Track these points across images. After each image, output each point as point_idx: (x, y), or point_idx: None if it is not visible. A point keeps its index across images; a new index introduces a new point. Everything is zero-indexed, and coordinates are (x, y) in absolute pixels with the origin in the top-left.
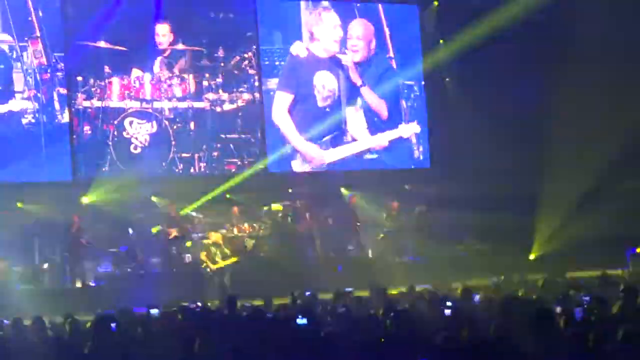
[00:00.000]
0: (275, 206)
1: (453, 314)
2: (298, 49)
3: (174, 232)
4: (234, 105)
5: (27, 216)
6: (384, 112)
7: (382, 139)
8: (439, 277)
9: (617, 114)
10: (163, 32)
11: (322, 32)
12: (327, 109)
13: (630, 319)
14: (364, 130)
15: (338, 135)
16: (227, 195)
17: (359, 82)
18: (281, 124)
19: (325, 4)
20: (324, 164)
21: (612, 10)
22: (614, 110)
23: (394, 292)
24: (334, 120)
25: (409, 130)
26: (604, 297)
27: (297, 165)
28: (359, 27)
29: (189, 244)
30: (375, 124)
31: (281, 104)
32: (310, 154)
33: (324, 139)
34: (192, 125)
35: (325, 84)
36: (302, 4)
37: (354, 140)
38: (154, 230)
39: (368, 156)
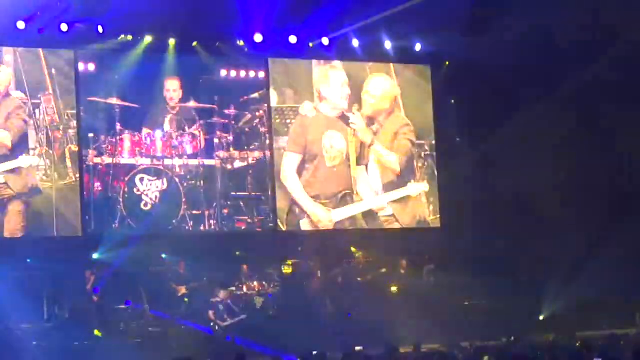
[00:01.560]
0: (286, 264)
1: None
2: (307, 109)
3: (182, 290)
4: (245, 163)
5: (36, 272)
6: (396, 168)
7: (391, 198)
8: (448, 336)
9: (629, 174)
10: (174, 87)
11: (329, 91)
12: (335, 169)
13: None
14: (374, 189)
15: (346, 194)
16: (237, 253)
17: (369, 140)
18: (289, 185)
19: (336, 63)
20: (332, 224)
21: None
22: (625, 171)
23: (403, 351)
24: (343, 180)
25: (418, 189)
26: (615, 357)
27: (305, 225)
28: (374, 83)
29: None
30: (386, 181)
31: (290, 165)
32: (317, 215)
33: (332, 199)
34: (202, 182)
35: (333, 143)
36: (314, 63)
37: (362, 199)
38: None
39: (378, 215)
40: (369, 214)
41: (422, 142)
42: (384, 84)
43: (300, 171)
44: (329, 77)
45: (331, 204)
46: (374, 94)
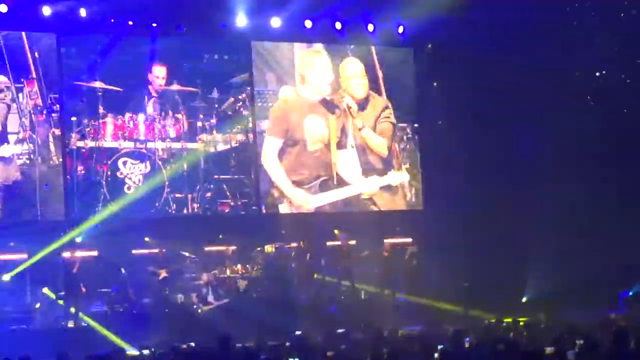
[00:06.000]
0: (269, 247)
1: (442, 357)
2: (287, 93)
3: (163, 273)
4: (228, 146)
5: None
6: (384, 151)
7: (371, 185)
8: (430, 318)
9: (611, 157)
10: (162, 75)
11: (313, 76)
12: (317, 154)
13: None
14: (357, 174)
15: (327, 180)
16: (220, 236)
17: (359, 125)
18: (270, 168)
19: (318, 47)
20: (312, 209)
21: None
22: (608, 153)
23: (386, 333)
24: (324, 165)
25: (398, 178)
26: (597, 340)
27: (284, 209)
28: (351, 65)
29: (180, 285)
30: (374, 165)
31: (271, 148)
32: (297, 200)
33: (312, 183)
34: (185, 165)
35: (315, 128)
36: (297, 46)
37: (343, 184)
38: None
39: (360, 199)
40: (350, 198)
41: (404, 125)
42: (360, 68)
43: (281, 155)
44: (314, 61)
45: (312, 189)
46: (358, 76)
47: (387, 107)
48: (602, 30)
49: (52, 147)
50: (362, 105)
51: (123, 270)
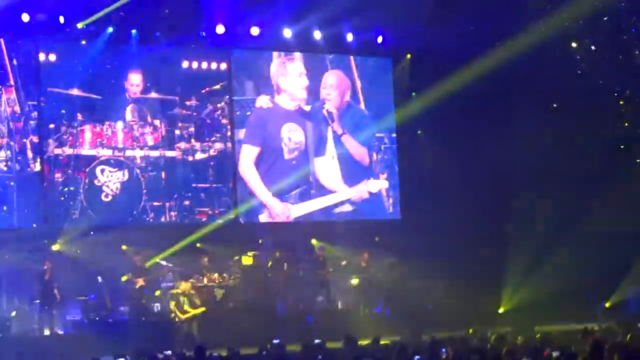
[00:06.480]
0: (246, 256)
1: None
2: (263, 102)
3: (140, 282)
4: (206, 155)
5: None
6: (365, 159)
7: (350, 194)
8: (408, 329)
9: (589, 169)
10: (137, 82)
11: (287, 83)
12: (294, 162)
13: None
14: (337, 181)
15: (305, 189)
16: (198, 245)
17: (340, 131)
18: (248, 177)
19: (294, 54)
20: (290, 219)
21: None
22: (585, 166)
23: (363, 343)
24: (301, 174)
25: (377, 185)
26: (573, 351)
27: (264, 219)
28: (333, 77)
29: (157, 293)
30: (355, 172)
31: (247, 157)
32: (275, 210)
33: (291, 193)
34: (163, 174)
35: (291, 136)
36: (275, 55)
37: (321, 193)
38: (123, 278)
39: (338, 208)
40: (330, 208)
41: (382, 135)
42: (341, 78)
43: (257, 164)
44: (287, 69)
45: (290, 199)
46: (333, 88)
47: (365, 116)
48: (580, 39)
49: (29, 154)
50: (342, 113)
51: (100, 279)
